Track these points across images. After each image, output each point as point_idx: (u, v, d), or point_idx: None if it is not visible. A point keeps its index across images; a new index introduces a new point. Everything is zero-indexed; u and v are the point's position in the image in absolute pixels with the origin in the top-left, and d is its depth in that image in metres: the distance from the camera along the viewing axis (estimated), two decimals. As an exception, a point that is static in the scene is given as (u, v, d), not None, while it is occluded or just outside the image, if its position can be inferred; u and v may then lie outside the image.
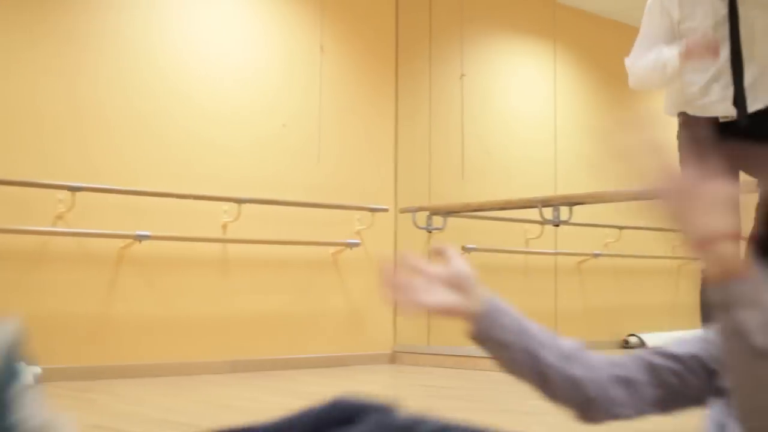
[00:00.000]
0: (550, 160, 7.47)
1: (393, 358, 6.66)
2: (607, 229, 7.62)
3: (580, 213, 6.18)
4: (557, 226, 6.10)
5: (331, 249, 6.41)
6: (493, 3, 7.48)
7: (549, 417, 3.96)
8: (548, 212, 6.08)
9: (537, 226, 6.84)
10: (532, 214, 6.38)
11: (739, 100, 3.21)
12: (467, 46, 7.29)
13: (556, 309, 7.22)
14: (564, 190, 6.61)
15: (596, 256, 7.67)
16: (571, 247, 7.40)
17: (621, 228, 7.66)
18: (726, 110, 3.26)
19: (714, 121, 3.28)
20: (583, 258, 7.64)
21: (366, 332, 6.60)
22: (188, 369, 5.59)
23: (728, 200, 1.24)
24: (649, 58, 3.43)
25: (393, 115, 6.90)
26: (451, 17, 7.17)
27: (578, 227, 6.55)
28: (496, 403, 4.46)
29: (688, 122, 3.36)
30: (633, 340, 7.62)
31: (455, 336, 6.54)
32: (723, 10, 3.26)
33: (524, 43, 7.73)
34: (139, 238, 5.41)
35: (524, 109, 7.66)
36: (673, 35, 3.39)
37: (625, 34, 8.19)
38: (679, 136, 3.39)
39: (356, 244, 6.47)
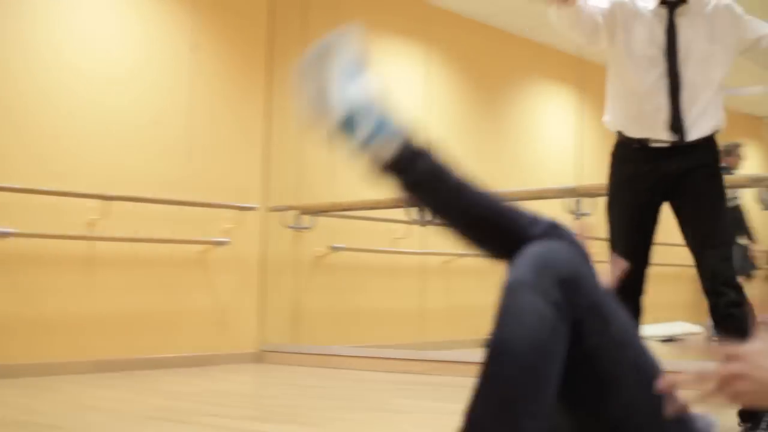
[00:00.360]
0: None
1: (260, 357, 6.65)
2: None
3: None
4: (424, 225, 6.19)
5: (200, 247, 6.36)
6: (368, 4, 7.53)
7: (416, 415, 4.05)
8: (416, 212, 6.17)
9: (404, 226, 6.92)
10: (401, 213, 6.46)
11: (676, 125, 3.21)
12: (340, 47, 7.32)
13: (422, 308, 7.34)
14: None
15: (461, 255, 7.81)
16: (437, 247, 7.51)
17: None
18: (660, 135, 3.24)
19: (645, 144, 3.27)
20: (448, 258, 7.77)
21: (232, 331, 6.56)
22: (50, 369, 5.45)
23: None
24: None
25: (264, 113, 6.88)
26: (325, 16, 7.18)
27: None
28: (364, 402, 4.51)
29: (623, 142, 3.35)
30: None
31: (322, 335, 6.59)
32: (661, 35, 3.24)
33: (398, 44, 7.81)
34: (1, 235, 5.26)
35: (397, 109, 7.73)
36: (608, 25, 3.31)
37: (496, 38, 8.44)
38: (613, 155, 3.40)
39: (225, 243, 6.43)
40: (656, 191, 3.29)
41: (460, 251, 7.69)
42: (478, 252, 1.86)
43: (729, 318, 3.18)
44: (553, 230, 1.75)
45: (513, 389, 1.52)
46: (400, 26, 7.72)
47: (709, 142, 3.27)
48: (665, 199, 3.32)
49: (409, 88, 7.87)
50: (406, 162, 1.84)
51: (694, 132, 3.22)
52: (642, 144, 3.27)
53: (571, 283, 1.60)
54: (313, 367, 6.24)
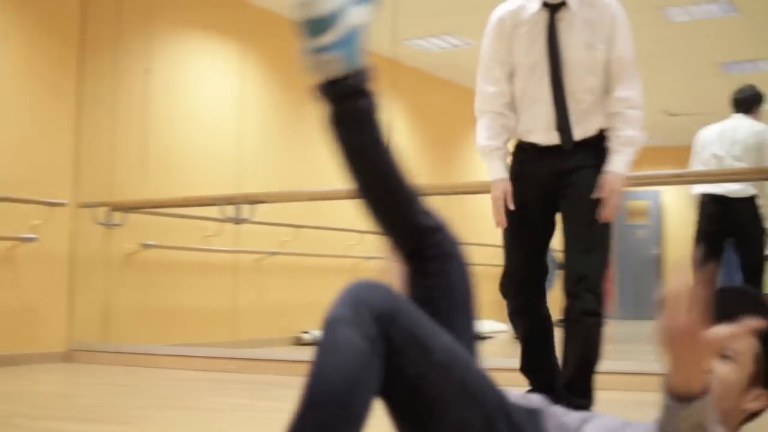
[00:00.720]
0: (234, 158, 7.58)
1: (69, 357, 6.50)
2: (283, 228, 7.84)
3: (259, 211, 6.35)
4: (239, 224, 6.23)
5: (6, 243, 6.16)
6: (184, 0, 7.49)
7: (229, 413, 4.09)
8: (230, 210, 6.21)
9: (216, 224, 6.93)
10: (214, 211, 6.48)
11: (563, 126, 3.27)
12: (155, 42, 7.25)
13: (234, 306, 7.35)
14: (248, 188, 6.76)
15: (273, 254, 7.87)
16: (248, 245, 7.55)
17: (298, 227, 7.91)
18: (547, 136, 3.31)
19: (535, 145, 3.34)
20: (261, 256, 7.82)
21: (41, 330, 6.40)
22: None
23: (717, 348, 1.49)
24: (483, 129, 3.44)
25: (76, 107, 6.72)
26: (139, 11, 7.09)
27: (256, 225, 6.70)
28: (176, 400, 4.51)
29: (518, 144, 3.42)
30: (307, 336, 7.90)
31: (134, 334, 6.50)
32: (542, 40, 3.27)
33: (214, 42, 7.78)
34: None
35: (211, 107, 7.71)
36: (509, 61, 3.37)
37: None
38: (512, 155, 3.46)
39: (33, 239, 6.25)
40: (542, 190, 3.33)
41: (272, 250, 7.78)
42: (367, 210, 1.95)
43: (578, 324, 3.22)
44: (440, 230, 1.89)
45: (327, 417, 1.64)
46: (215, 24, 7.71)
47: (594, 142, 3.31)
48: (552, 200, 3.35)
49: (224, 86, 7.87)
50: (348, 91, 1.89)
51: (578, 133, 3.28)
52: (532, 145, 3.34)
53: (387, 318, 1.72)
54: (125, 366, 6.16)
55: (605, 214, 3.20)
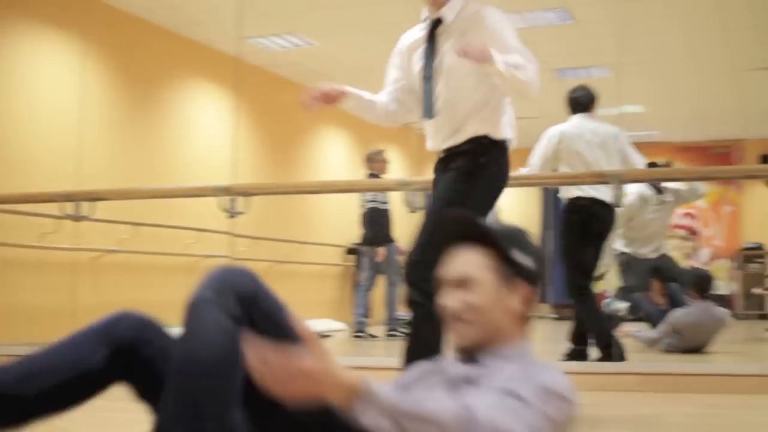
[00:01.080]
0: (74, 155, 7.40)
1: None
2: (122, 226, 7.70)
3: (98, 208, 6.22)
4: (78, 221, 6.10)
5: None
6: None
7: (130, 413, 3.97)
8: (70, 207, 6.06)
9: (54, 221, 6.75)
10: (51, 208, 6.31)
11: (434, 133, 3.48)
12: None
13: (73, 304, 7.17)
14: (87, 185, 6.61)
15: (113, 251, 7.73)
16: (87, 243, 7.38)
17: (137, 224, 7.79)
18: (432, 144, 3.51)
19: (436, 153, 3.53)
20: (99, 253, 7.66)
21: None
22: None
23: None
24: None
25: None
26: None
27: (95, 222, 6.55)
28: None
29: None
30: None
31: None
32: (424, 54, 3.44)
33: (55, 35, 7.57)
34: None
35: (49, 103, 7.49)
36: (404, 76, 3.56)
37: (154, 33, 8.41)
38: None
39: None
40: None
41: (112, 247, 7.63)
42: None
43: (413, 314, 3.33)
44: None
45: (199, 396, 1.72)
46: (56, 17, 7.51)
47: (469, 147, 3.41)
48: None
49: (63, 81, 7.67)
50: None
51: (451, 141, 3.43)
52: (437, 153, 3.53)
53: (248, 299, 1.84)
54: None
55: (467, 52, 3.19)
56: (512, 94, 3.41)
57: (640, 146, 6.19)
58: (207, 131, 9.34)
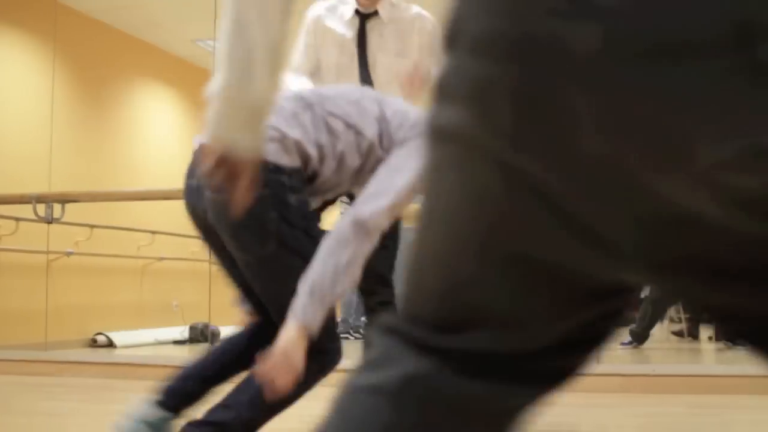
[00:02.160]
0: (44, 158, 7.29)
1: None
2: (76, 228, 7.59)
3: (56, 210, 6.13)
4: (50, 223, 6.01)
5: None
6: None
7: (74, 418, 3.96)
8: (40, 208, 5.98)
9: (11, 223, 6.66)
10: (11, 210, 6.24)
11: None
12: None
13: (28, 308, 7.04)
14: (60, 186, 6.52)
15: (69, 254, 7.62)
16: (42, 245, 7.26)
17: (92, 227, 7.69)
18: None
19: None
20: (55, 255, 7.54)
21: None
22: None
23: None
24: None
25: None
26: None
27: (43, 225, 6.43)
28: (4, 405, 4.32)
29: None
30: (101, 338, 7.68)
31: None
32: (352, 45, 3.37)
33: (22, 39, 7.45)
34: None
35: (19, 106, 7.38)
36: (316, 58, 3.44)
37: (108, 35, 8.32)
38: None
39: None
40: None
41: (66, 250, 7.51)
42: None
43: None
44: None
45: None
46: (25, 20, 7.42)
47: None
48: None
49: (33, 84, 7.56)
50: None
51: None
52: None
53: None
54: None
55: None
56: None
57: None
58: (160, 132, 9.27)
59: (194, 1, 7.64)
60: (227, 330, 7.69)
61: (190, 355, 6.14)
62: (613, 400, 4.32)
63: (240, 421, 2.19)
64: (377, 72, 3.37)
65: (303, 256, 2.10)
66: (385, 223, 2.08)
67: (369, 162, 2.23)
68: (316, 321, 2.00)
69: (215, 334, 7.35)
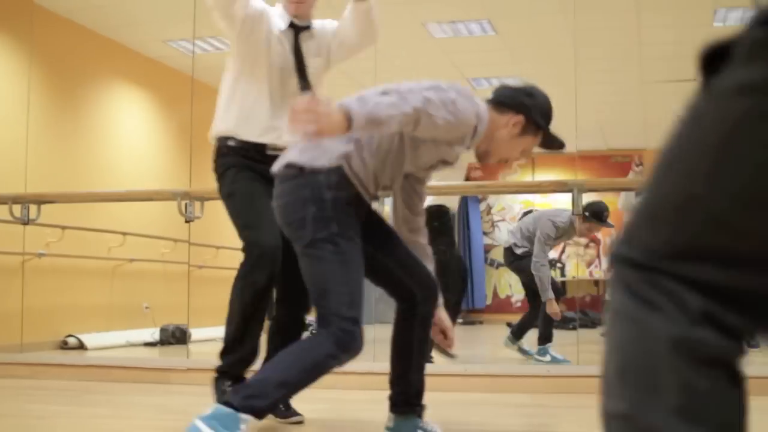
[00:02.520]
0: (20, 158, 7.23)
1: None
2: (48, 229, 7.54)
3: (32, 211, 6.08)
4: (26, 224, 5.97)
5: None
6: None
7: (56, 420, 3.94)
8: (17, 209, 5.94)
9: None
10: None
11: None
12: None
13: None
14: (34, 187, 6.47)
15: (40, 255, 7.55)
16: (8, 246, 7.19)
17: (64, 228, 7.64)
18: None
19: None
20: (29, 257, 7.47)
21: None
22: None
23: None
24: None
25: None
26: None
27: (20, 226, 6.38)
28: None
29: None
30: (72, 340, 7.63)
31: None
32: (289, 54, 3.65)
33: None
34: None
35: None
36: (252, 20, 3.64)
37: (80, 35, 8.27)
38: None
39: None
40: None
41: (38, 251, 7.45)
42: None
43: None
44: None
45: None
46: (1, 23, 7.34)
47: None
48: None
49: (9, 85, 7.51)
50: None
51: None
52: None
53: None
54: None
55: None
56: (366, 26, 3.59)
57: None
58: (135, 133, 9.23)
59: (168, 2, 7.63)
60: (200, 332, 7.72)
61: (162, 356, 6.13)
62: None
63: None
64: (313, 75, 3.68)
65: (334, 243, 2.62)
66: (420, 105, 2.51)
67: (405, 142, 2.75)
68: (358, 114, 2.39)
69: (185, 333, 7.34)
